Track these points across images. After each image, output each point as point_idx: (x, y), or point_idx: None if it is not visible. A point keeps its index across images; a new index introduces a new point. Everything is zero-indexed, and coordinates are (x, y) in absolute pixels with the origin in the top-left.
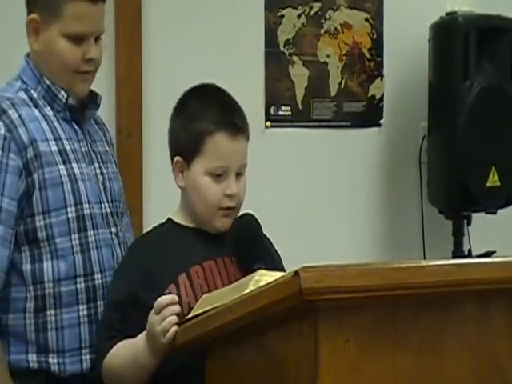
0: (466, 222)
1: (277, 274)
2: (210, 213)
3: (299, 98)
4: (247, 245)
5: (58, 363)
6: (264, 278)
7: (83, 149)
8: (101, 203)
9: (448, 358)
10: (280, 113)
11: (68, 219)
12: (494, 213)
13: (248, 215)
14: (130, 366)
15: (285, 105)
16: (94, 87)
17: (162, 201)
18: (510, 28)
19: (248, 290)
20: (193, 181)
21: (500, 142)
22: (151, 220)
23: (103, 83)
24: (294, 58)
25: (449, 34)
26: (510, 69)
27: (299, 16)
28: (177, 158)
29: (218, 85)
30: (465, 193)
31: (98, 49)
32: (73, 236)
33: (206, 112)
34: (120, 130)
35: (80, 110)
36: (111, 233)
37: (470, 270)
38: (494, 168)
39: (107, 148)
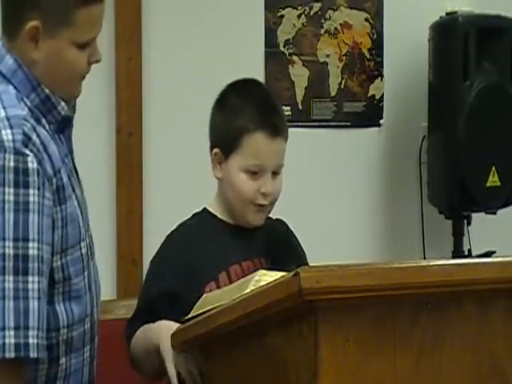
0: (465, 221)
1: (277, 274)
2: (244, 207)
3: (299, 98)
4: (281, 246)
5: None
6: (264, 278)
7: (70, 164)
8: (89, 225)
9: (448, 358)
10: None
11: (81, 255)
12: (494, 213)
13: (281, 221)
14: (143, 351)
15: (285, 105)
16: (94, 87)
17: (162, 201)
18: (510, 28)
19: (248, 290)
20: (229, 175)
21: (500, 141)
22: (151, 220)
23: (103, 83)
24: (294, 57)
25: (449, 33)
26: (510, 69)
27: (299, 16)
28: (215, 150)
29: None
30: (465, 193)
31: (98, 49)
32: (85, 273)
33: (246, 109)
34: (120, 129)
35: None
36: (95, 256)
37: (469, 270)
38: (493, 168)
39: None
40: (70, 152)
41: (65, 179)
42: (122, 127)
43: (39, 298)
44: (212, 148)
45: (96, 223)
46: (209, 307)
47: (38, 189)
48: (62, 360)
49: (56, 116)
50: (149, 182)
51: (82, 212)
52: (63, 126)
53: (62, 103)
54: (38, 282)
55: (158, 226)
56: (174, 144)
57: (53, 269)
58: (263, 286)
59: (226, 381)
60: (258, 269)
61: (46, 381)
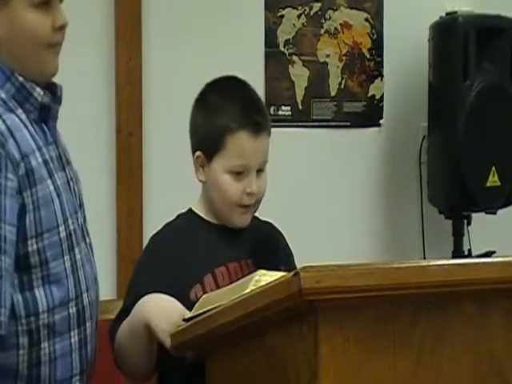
0: (466, 221)
1: (277, 274)
2: (230, 209)
3: (299, 98)
4: (268, 247)
5: None
6: (264, 278)
7: (54, 153)
8: (76, 213)
9: (448, 358)
10: (280, 113)
11: (60, 239)
12: (494, 213)
13: (270, 223)
14: (127, 334)
15: (285, 105)
16: (94, 87)
17: (162, 201)
18: (510, 28)
19: (248, 290)
20: (213, 177)
21: (500, 141)
22: (151, 220)
23: (103, 83)
24: (294, 57)
25: (449, 33)
26: (510, 69)
27: (299, 16)
28: (198, 153)
29: (240, 77)
30: (465, 193)
31: (63, 13)
32: (65, 257)
33: (227, 108)
34: (120, 129)
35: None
36: (86, 245)
37: (470, 270)
38: (493, 168)
39: (64, 143)
40: (55, 141)
41: (34, 163)
42: (122, 127)
43: (1, 277)
44: (194, 151)
45: (96, 223)
46: (209, 307)
47: (0, 170)
48: (44, 344)
49: (34, 103)
50: (149, 182)
51: (59, 196)
52: (44, 116)
53: (38, 89)
54: (0, 261)
55: (158, 225)
56: (174, 144)
57: (28, 253)
58: (263, 285)
59: (226, 381)
60: (245, 271)
61: (29, 366)
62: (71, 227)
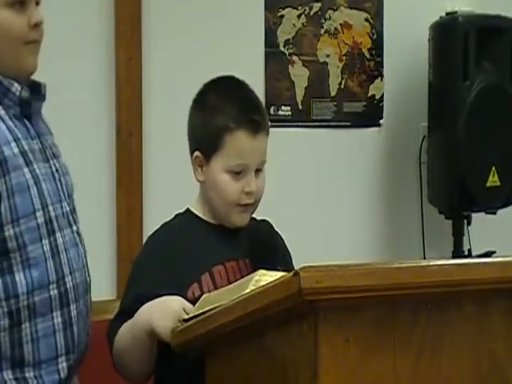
0: (465, 221)
1: (277, 274)
2: (228, 209)
3: (299, 98)
4: (266, 247)
5: (35, 377)
6: (264, 278)
7: (37, 146)
8: (61, 202)
9: (448, 358)
10: (280, 113)
11: (38, 224)
12: (494, 213)
13: (266, 221)
14: (129, 340)
15: (285, 105)
16: (94, 87)
17: (162, 201)
18: (510, 28)
19: (248, 290)
20: (212, 177)
21: (500, 141)
22: (151, 220)
23: (103, 83)
24: (294, 57)
25: (449, 33)
26: (510, 69)
27: (299, 16)
28: (196, 154)
29: (238, 77)
30: (465, 193)
31: (39, 12)
32: (44, 241)
33: (225, 108)
34: (120, 129)
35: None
36: (73, 232)
37: (470, 270)
38: (493, 168)
39: (53, 140)
40: (39, 136)
41: (8, 153)
42: (122, 127)
43: None
44: (192, 151)
45: (96, 223)
46: (209, 307)
47: None
48: (25, 325)
49: (12, 99)
50: (149, 182)
51: (37, 184)
52: (25, 112)
53: (16, 84)
54: None
55: (158, 226)
56: (174, 144)
57: (5, 238)
58: (263, 285)
59: (226, 381)
60: (243, 270)
61: (11, 346)
62: (52, 213)
